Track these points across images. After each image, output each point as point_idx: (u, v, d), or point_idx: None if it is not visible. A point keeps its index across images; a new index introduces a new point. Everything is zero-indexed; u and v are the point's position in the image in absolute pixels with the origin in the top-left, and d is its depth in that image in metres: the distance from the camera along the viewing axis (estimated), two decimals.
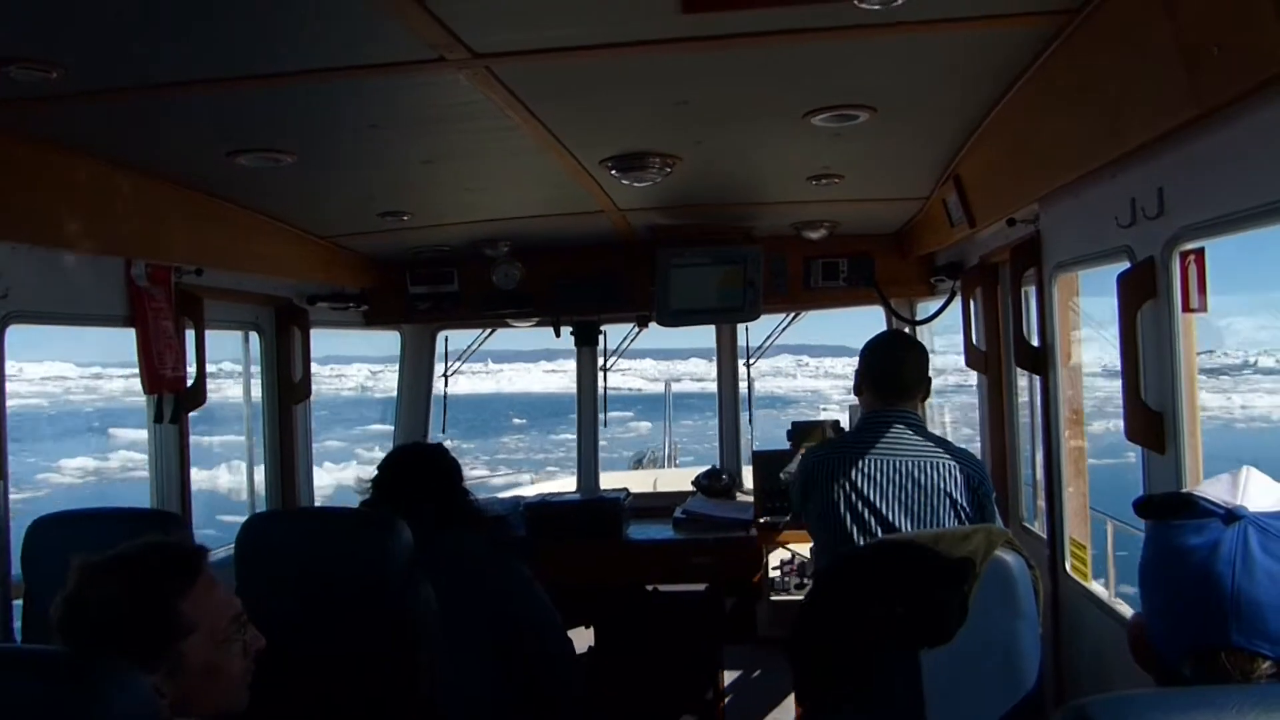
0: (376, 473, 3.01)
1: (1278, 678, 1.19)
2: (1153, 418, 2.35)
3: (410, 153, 2.97)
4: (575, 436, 5.59)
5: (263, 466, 4.32)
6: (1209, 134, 1.96)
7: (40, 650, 1.48)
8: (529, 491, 5.92)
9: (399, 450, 3.16)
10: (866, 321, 5.29)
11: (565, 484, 5.95)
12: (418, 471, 2.97)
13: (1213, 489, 1.30)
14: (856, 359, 3.31)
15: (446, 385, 5.43)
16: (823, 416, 5.29)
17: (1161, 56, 1.87)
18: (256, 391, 4.31)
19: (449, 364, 5.41)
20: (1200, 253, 2.17)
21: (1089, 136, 2.38)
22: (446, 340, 5.45)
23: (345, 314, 4.77)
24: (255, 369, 4.28)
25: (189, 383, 3.46)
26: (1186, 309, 2.22)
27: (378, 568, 2.53)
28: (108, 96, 2.26)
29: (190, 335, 3.51)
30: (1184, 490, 1.35)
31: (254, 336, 4.25)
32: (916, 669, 2.66)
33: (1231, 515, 1.25)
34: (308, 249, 4.11)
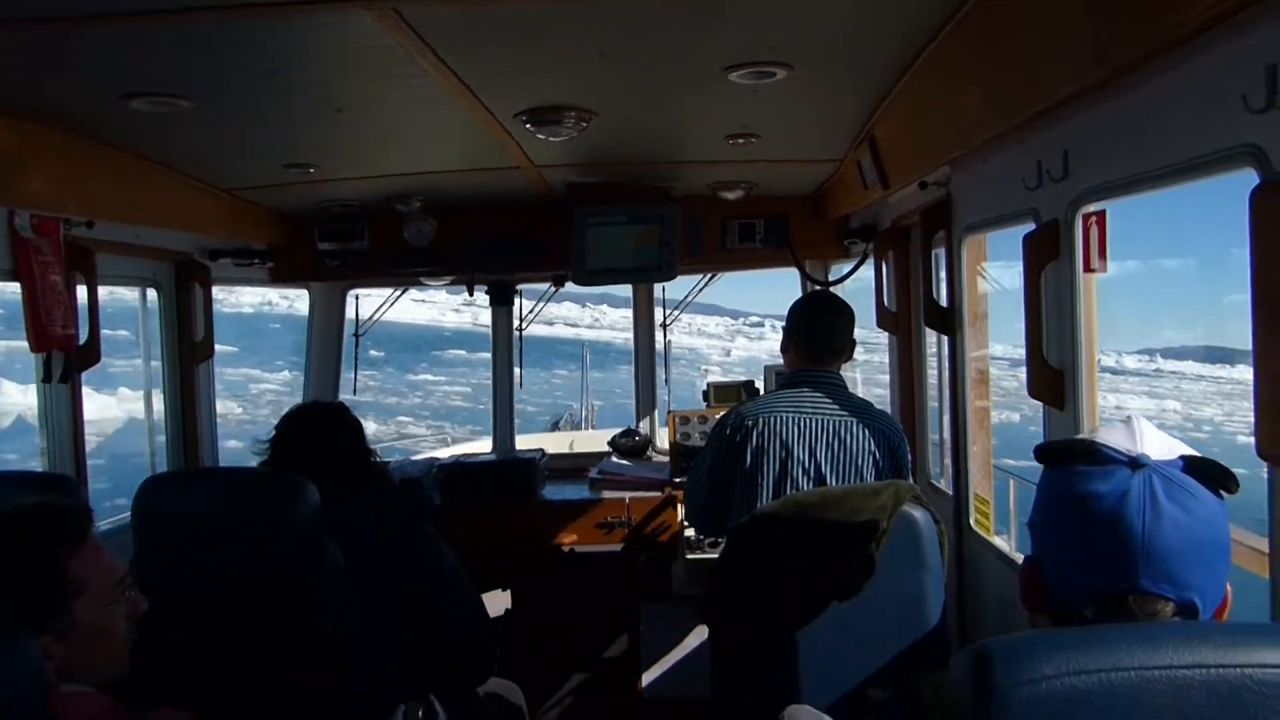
0: (274, 432, 2.92)
1: (1175, 618, 1.23)
2: (1053, 375, 2.41)
3: (315, 101, 2.86)
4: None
5: (164, 428, 4.18)
6: (1113, 98, 2.01)
7: None
8: (444, 453, 5.84)
9: (299, 409, 3.06)
10: (742, 282, 5.34)
11: (481, 446, 5.90)
12: (319, 431, 2.88)
13: (1111, 436, 1.32)
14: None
15: (358, 345, 5.31)
16: (737, 377, 5.33)
17: (1069, 19, 1.90)
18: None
19: (359, 323, 5.29)
20: (1101, 215, 2.23)
21: (998, 99, 2.41)
22: (358, 299, 5.32)
23: (250, 270, 4.61)
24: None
25: (81, 340, 3.30)
26: (1088, 269, 2.28)
27: (283, 529, 2.46)
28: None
29: (83, 291, 3.35)
30: (1081, 437, 1.36)
31: (152, 293, 4.08)
32: (837, 624, 2.72)
33: (1136, 463, 1.27)
34: (209, 202, 3.95)
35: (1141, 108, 1.93)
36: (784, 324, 3.33)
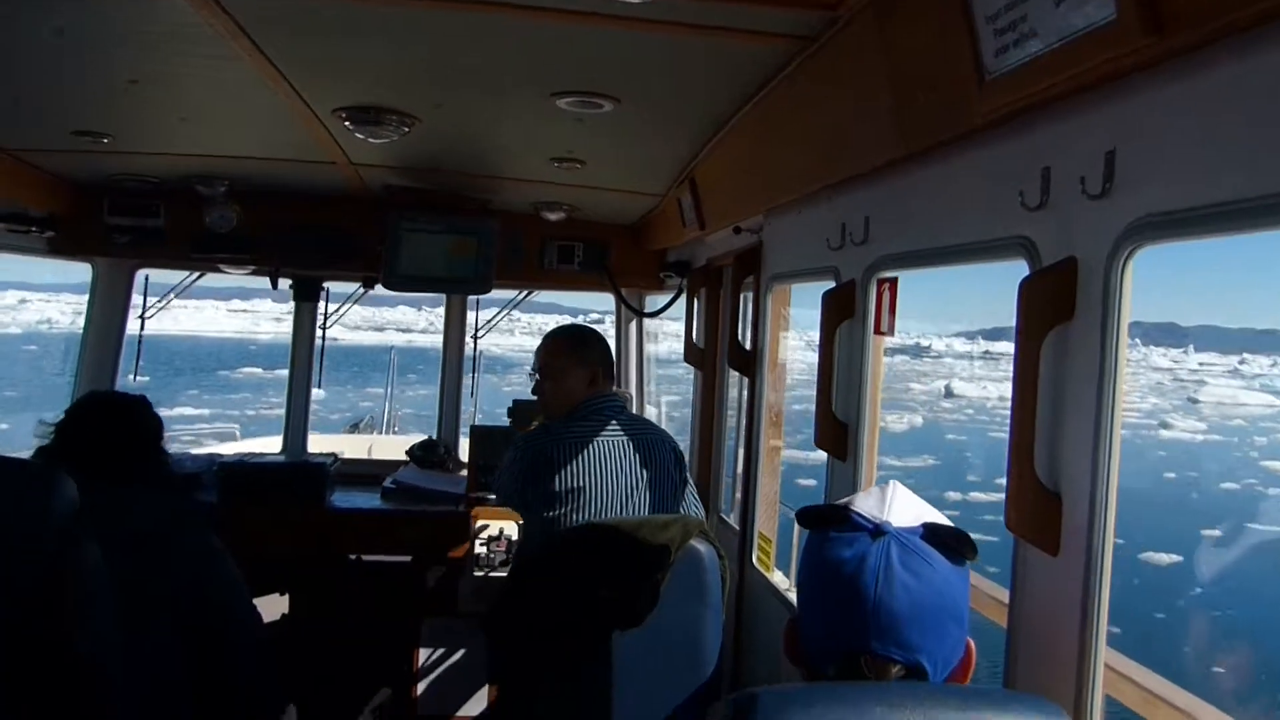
0: (63, 416, 2.68)
1: (904, 679, 1.31)
2: (839, 428, 2.52)
3: (112, 69, 2.65)
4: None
5: None
6: (913, 173, 2.13)
7: None
8: (229, 449, 5.53)
9: (96, 395, 2.83)
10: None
11: (271, 444, 5.62)
12: (113, 423, 2.67)
13: (864, 503, 1.40)
14: (567, 317, 3.43)
15: (143, 327, 4.95)
16: None
17: (878, 95, 2.01)
18: None
19: (147, 303, 4.94)
20: (894, 281, 2.36)
21: (811, 160, 2.52)
22: (147, 279, 4.97)
23: (26, 238, 4.22)
24: None
25: None
26: (878, 331, 2.40)
27: (29, 527, 2.25)
28: None
29: None
30: (839, 503, 1.43)
31: None
32: (618, 653, 2.73)
33: (878, 531, 1.35)
34: None
35: (937, 187, 2.06)
36: (560, 357, 3.34)
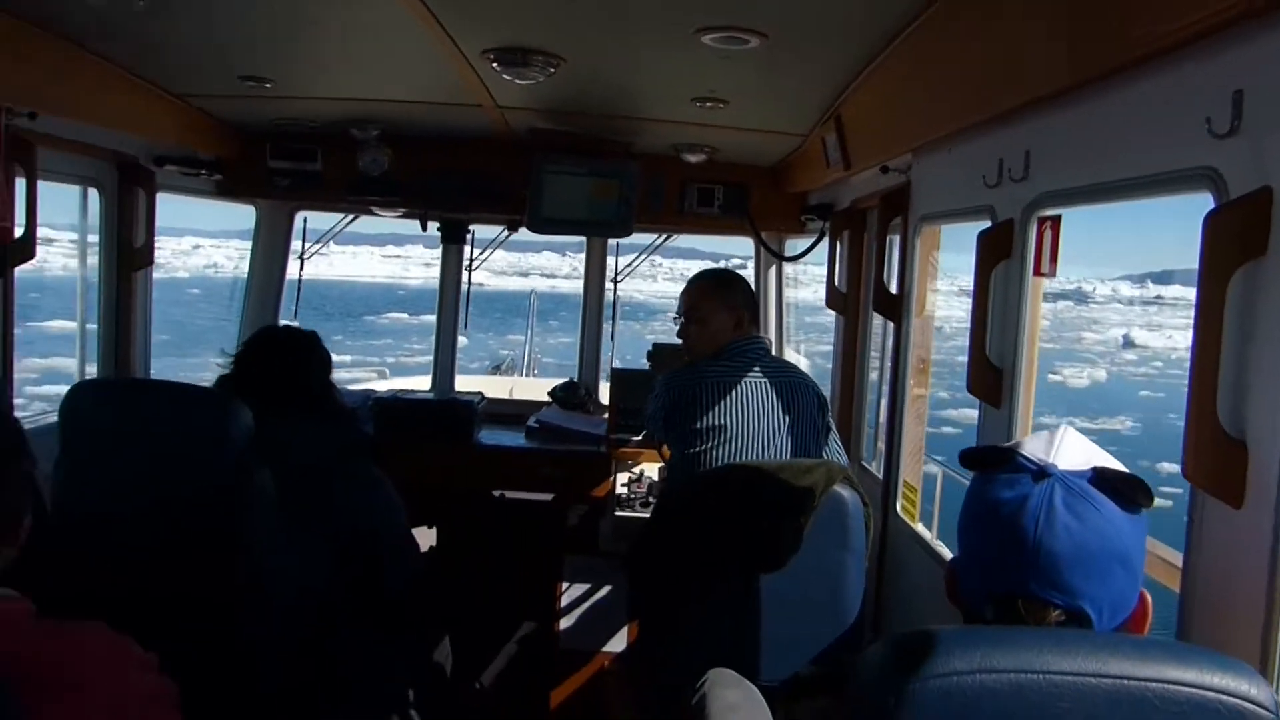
0: (241, 348, 2.86)
1: (1065, 625, 1.27)
2: (994, 374, 2.44)
3: (279, 13, 2.76)
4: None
5: (97, 334, 4.06)
6: (1080, 104, 2.01)
7: None
8: (381, 386, 5.77)
9: (272, 330, 3.01)
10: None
11: (420, 382, 5.84)
12: (287, 355, 2.84)
13: (1031, 445, 1.36)
14: (708, 263, 3.45)
15: (302, 268, 5.20)
16: None
17: (1044, 21, 1.89)
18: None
19: (306, 245, 5.18)
20: (1056, 220, 2.24)
21: (966, 93, 2.41)
22: (305, 221, 5.21)
23: (196, 181, 4.47)
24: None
25: (18, 234, 3.18)
26: (1038, 273, 2.30)
27: (210, 449, 2.41)
28: None
29: (21, 185, 3.22)
30: (1006, 444, 1.40)
31: (94, 194, 3.94)
32: (759, 595, 2.75)
33: (1041, 472, 1.31)
34: (158, 105, 3.81)
35: (1107, 118, 1.94)
36: (705, 301, 3.38)
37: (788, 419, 3.17)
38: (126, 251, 4.07)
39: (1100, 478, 1.31)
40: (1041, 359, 2.41)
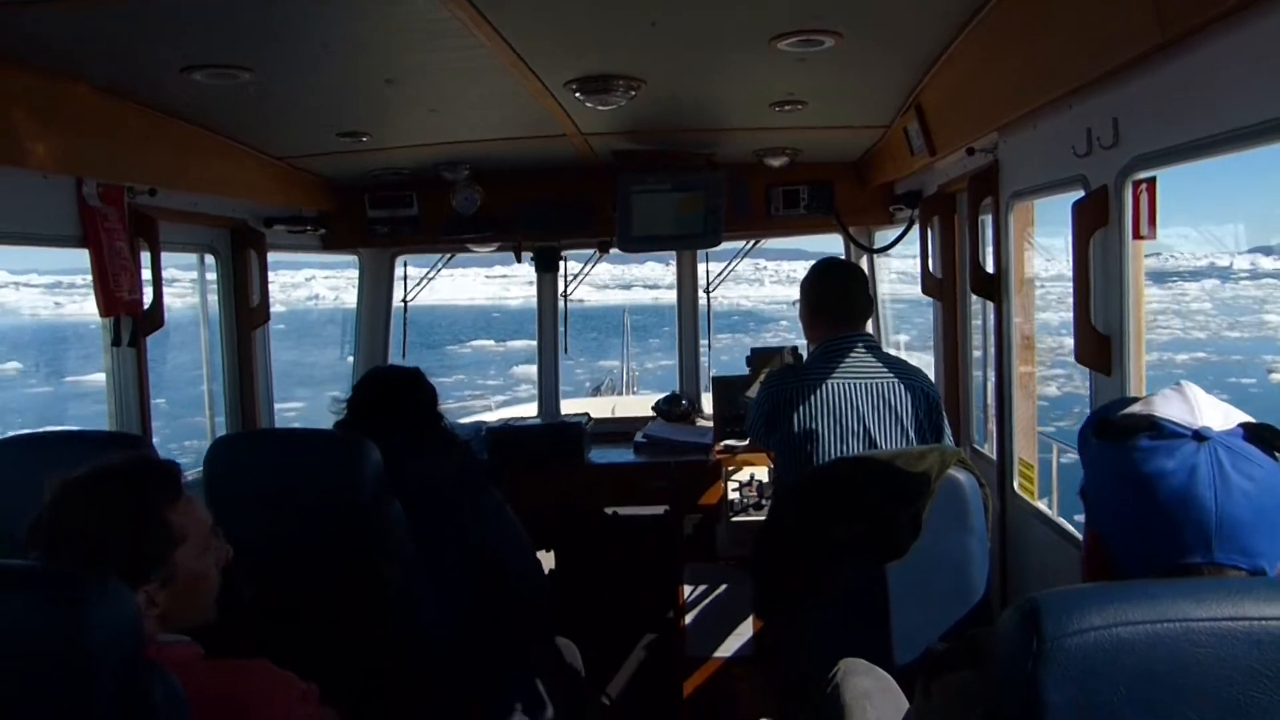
0: (352, 392, 3.02)
1: None
2: (1101, 341, 2.43)
3: (371, 72, 2.92)
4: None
5: (222, 391, 4.30)
6: (1165, 65, 2.01)
7: (24, 566, 1.50)
8: (490, 417, 5.95)
9: (377, 371, 3.18)
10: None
11: (526, 410, 5.99)
12: (395, 394, 2.99)
13: (1168, 408, 1.31)
14: (810, 261, 3.45)
15: (406, 310, 5.41)
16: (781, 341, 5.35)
17: None
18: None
19: (408, 287, 5.39)
20: (1152, 182, 2.23)
21: (1048, 66, 2.41)
22: (405, 264, 5.41)
23: (302, 237, 4.71)
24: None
25: (146, 305, 3.42)
26: (1137, 236, 2.29)
27: (348, 489, 2.57)
28: (62, 5, 2.19)
29: (146, 258, 3.46)
30: (1135, 410, 1.35)
31: (210, 259, 4.19)
32: (883, 582, 2.77)
33: (1200, 435, 1.27)
34: (264, 170, 4.04)
35: (1197, 73, 1.93)
36: (801, 296, 3.38)
37: (888, 416, 3.15)
38: (244, 311, 4.31)
39: (1252, 433, 1.28)
40: (1233, 348, 2.36)
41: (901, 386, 3.16)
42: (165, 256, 3.54)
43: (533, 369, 5.68)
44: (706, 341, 5.60)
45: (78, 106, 2.83)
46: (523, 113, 3.45)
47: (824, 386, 3.16)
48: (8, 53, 2.48)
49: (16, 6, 2.13)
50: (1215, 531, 1.24)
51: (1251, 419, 1.32)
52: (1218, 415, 1.30)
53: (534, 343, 5.52)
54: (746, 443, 4.59)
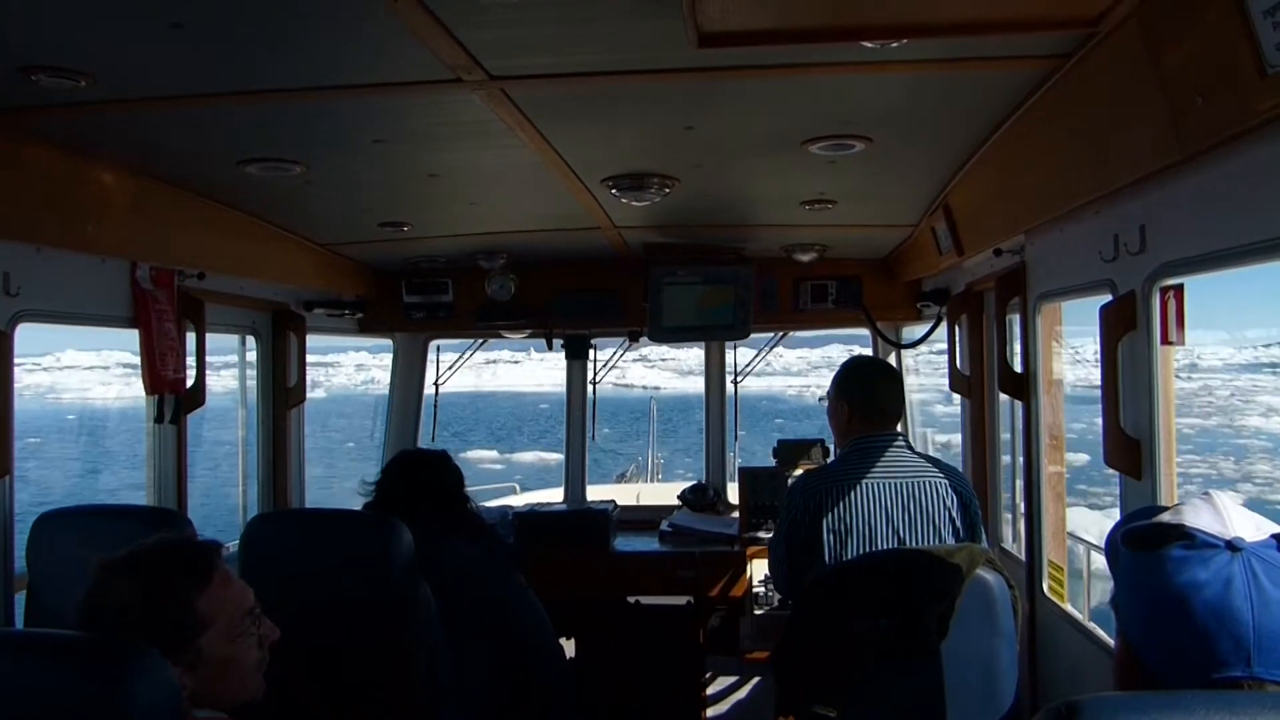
0: (381, 475, 3.07)
1: None
2: (1130, 445, 2.44)
3: (416, 166, 3.03)
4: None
5: (256, 469, 4.37)
6: (1191, 176, 2.06)
7: (67, 635, 1.54)
8: (516, 501, 5.96)
9: (405, 454, 3.23)
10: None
11: (552, 496, 6.01)
12: (422, 476, 3.04)
13: (1198, 518, 1.31)
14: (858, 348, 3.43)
15: (438, 394, 5.48)
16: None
17: (1147, 103, 1.97)
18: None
19: (440, 373, 5.47)
20: (1179, 288, 2.27)
21: (1076, 174, 2.48)
22: (439, 349, 5.51)
23: (340, 320, 4.82)
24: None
25: (189, 384, 3.50)
26: (1165, 341, 2.32)
27: (380, 568, 2.60)
28: (129, 106, 2.32)
29: (191, 338, 3.56)
30: (1169, 520, 1.34)
31: (251, 340, 4.30)
32: (910, 683, 2.72)
33: (1233, 546, 1.27)
34: (307, 256, 4.17)
35: (1221, 185, 1.98)
36: (832, 390, 3.34)
37: (918, 518, 3.08)
38: (281, 391, 4.40)
39: None
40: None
41: (931, 486, 3.11)
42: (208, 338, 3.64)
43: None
44: (734, 433, 5.62)
45: (135, 195, 2.96)
46: (559, 207, 3.56)
47: (849, 488, 3.12)
48: (72, 143, 2.62)
49: (89, 105, 2.25)
50: (1255, 645, 1.22)
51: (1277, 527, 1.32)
52: (1249, 525, 1.30)
53: (548, 455, 5.56)
54: (771, 535, 4.57)
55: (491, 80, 2.16)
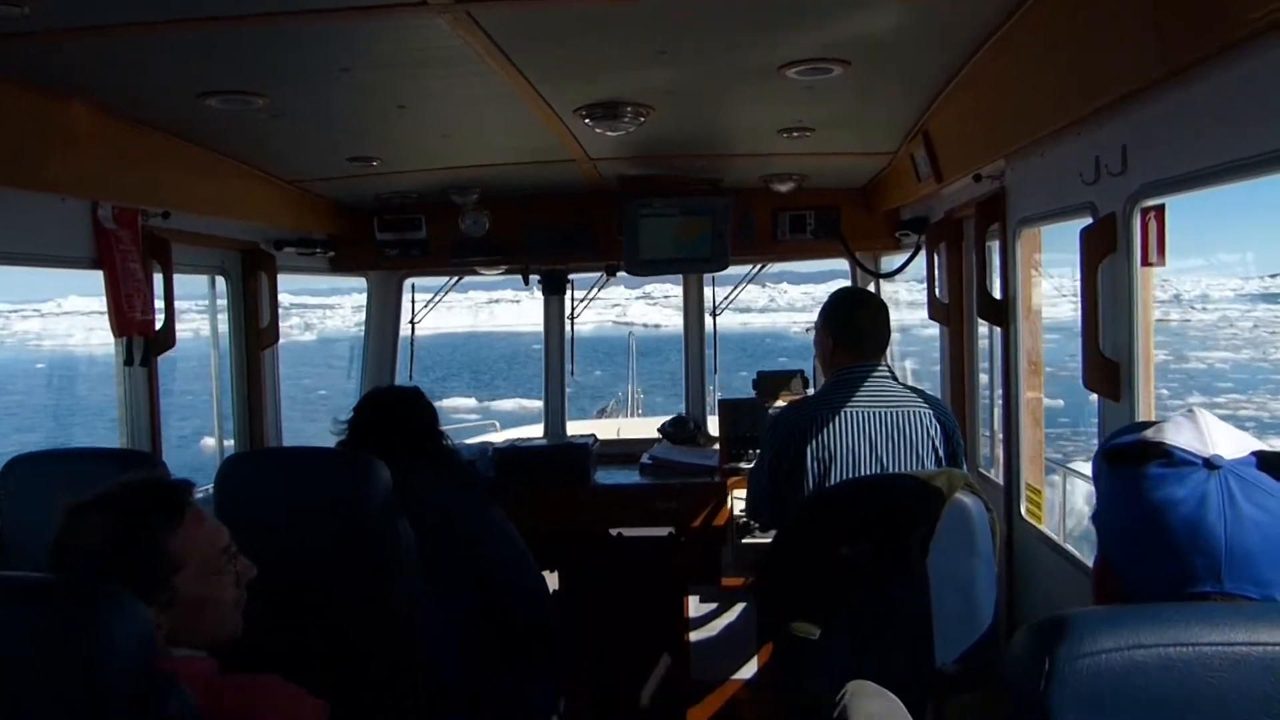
0: (353, 413, 3.04)
1: None
2: (1109, 367, 2.44)
3: (383, 97, 2.95)
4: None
5: (232, 410, 4.33)
6: (1174, 94, 2.03)
7: (36, 578, 1.51)
8: (496, 438, 5.96)
9: (377, 391, 3.20)
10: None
11: (533, 433, 6.01)
12: (395, 414, 3.01)
13: (1178, 435, 1.31)
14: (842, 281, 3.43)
15: (414, 332, 5.44)
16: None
17: (1131, 16, 1.93)
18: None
19: (415, 310, 5.42)
20: (1160, 209, 2.25)
21: (1057, 95, 2.44)
22: (414, 286, 5.45)
23: (312, 259, 4.74)
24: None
25: (158, 326, 3.44)
26: (1145, 263, 2.30)
27: (357, 506, 2.58)
28: (77, 35, 2.22)
29: (159, 279, 3.49)
30: (1147, 437, 1.34)
31: (220, 281, 4.23)
32: (891, 605, 2.77)
33: (1211, 464, 1.27)
34: (275, 193, 4.08)
35: (1205, 102, 1.95)
36: (819, 322, 3.37)
37: (901, 448, 3.12)
38: (254, 332, 4.34)
39: (1265, 462, 1.28)
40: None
41: (915, 416, 3.14)
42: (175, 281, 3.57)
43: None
44: (713, 365, 5.62)
45: (94, 131, 2.86)
46: (532, 138, 3.48)
47: (834, 418, 3.15)
48: (25, 78, 2.51)
49: (36, 35, 2.16)
50: (1225, 562, 1.24)
51: (1266, 447, 1.32)
52: (1230, 443, 1.30)
53: (529, 403, 5.56)
54: (753, 466, 4.59)
55: (458, 3, 2.08)
